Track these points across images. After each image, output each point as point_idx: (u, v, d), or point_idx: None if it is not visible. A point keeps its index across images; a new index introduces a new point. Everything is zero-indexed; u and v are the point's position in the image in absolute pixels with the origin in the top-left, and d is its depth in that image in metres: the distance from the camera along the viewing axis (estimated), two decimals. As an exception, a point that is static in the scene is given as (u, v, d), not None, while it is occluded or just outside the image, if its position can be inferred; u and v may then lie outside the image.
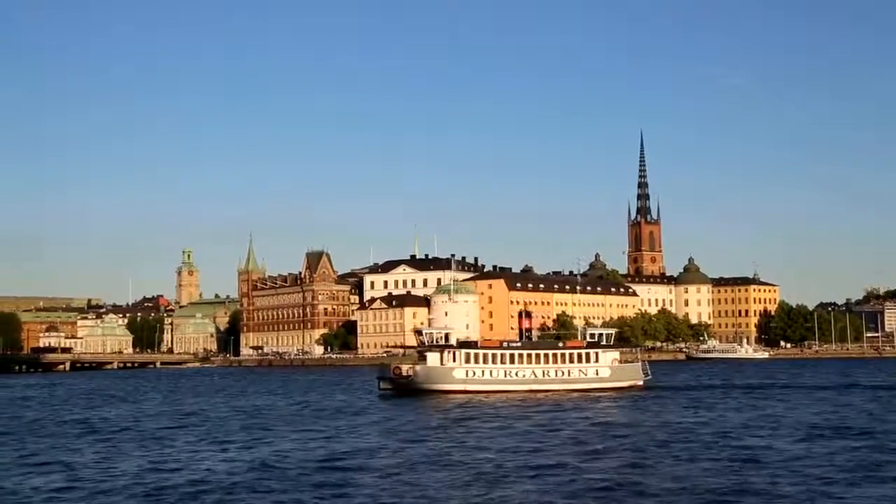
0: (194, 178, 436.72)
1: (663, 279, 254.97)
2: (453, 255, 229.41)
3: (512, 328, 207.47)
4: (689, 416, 50.28)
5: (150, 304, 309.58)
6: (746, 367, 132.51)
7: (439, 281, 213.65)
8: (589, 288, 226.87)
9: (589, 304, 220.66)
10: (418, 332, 77.83)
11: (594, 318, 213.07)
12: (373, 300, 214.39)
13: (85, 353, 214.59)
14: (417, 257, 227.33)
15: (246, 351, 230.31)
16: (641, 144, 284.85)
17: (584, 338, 78.52)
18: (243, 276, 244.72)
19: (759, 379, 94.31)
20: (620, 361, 78.75)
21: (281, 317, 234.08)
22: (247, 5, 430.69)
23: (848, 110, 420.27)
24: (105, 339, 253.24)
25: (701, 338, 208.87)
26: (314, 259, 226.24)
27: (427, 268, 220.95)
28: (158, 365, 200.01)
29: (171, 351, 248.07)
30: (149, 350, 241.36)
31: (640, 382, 76.67)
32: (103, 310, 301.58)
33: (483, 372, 72.19)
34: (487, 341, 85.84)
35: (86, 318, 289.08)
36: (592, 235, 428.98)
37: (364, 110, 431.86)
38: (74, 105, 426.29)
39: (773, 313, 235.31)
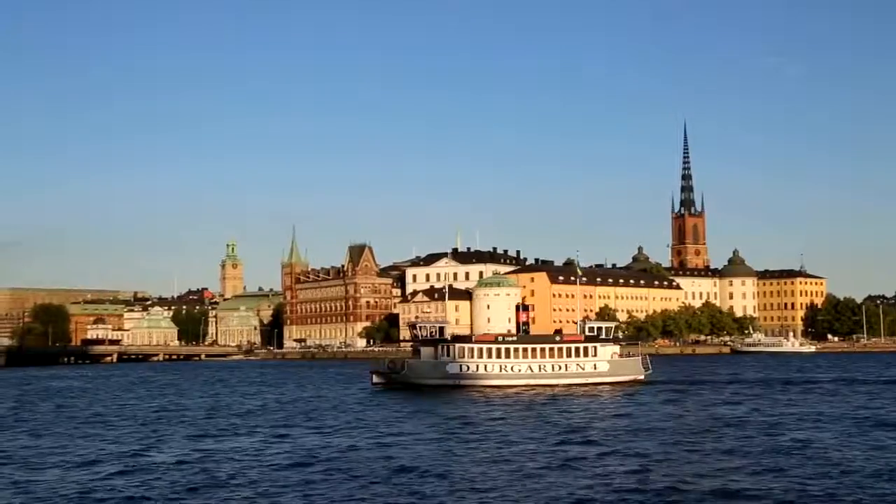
0: (238, 172, 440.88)
1: (707, 272, 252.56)
2: (495, 248, 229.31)
3: (554, 322, 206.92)
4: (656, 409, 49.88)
5: (194, 297, 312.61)
6: (792, 361, 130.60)
7: (481, 274, 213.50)
8: (632, 281, 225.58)
9: (632, 298, 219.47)
10: (412, 326, 76.18)
11: (637, 311, 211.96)
12: (415, 293, 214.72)
13: (131, 346, 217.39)
14: (459, 250, 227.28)
15: (289, 344, 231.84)
16: (685, 136, 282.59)
17: (583, 332, 76.94)
18: (286, 270, 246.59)
19: (780, 373, 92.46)
20: (621, 356, 77.18)
21: (323, 310, 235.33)
22: None
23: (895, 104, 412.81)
24: (151, 331, 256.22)
25: (746, 331, 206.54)
26: (356, 252, 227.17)
27: (469, 261, 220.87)
28: (203, 357, 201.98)
29: (215, 343, 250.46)
30: (193, 342, 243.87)
31: (642, 377, 75.04)
32: (149, 302, 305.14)
33: (477, 366, 70.76)
34: (483, 335, 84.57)
35: (132, 310, 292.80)
36: (635, 228, 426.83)
37: (407, 104, 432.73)
38: (120, 97, 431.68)
39: (819, 306, 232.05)
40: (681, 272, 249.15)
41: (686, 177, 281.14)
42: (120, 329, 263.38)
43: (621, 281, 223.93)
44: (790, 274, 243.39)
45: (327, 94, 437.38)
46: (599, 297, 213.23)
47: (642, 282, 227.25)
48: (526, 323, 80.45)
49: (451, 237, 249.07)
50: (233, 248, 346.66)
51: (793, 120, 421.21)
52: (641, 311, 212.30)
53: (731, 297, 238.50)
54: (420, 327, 74.69)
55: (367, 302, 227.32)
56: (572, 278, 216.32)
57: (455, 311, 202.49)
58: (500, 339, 75.76)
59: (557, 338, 77.87)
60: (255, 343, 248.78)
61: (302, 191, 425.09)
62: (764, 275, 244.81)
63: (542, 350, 72.72)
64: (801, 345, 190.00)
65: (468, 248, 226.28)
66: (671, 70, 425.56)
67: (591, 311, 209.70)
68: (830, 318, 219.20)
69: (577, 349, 73.47)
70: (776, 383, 75.43)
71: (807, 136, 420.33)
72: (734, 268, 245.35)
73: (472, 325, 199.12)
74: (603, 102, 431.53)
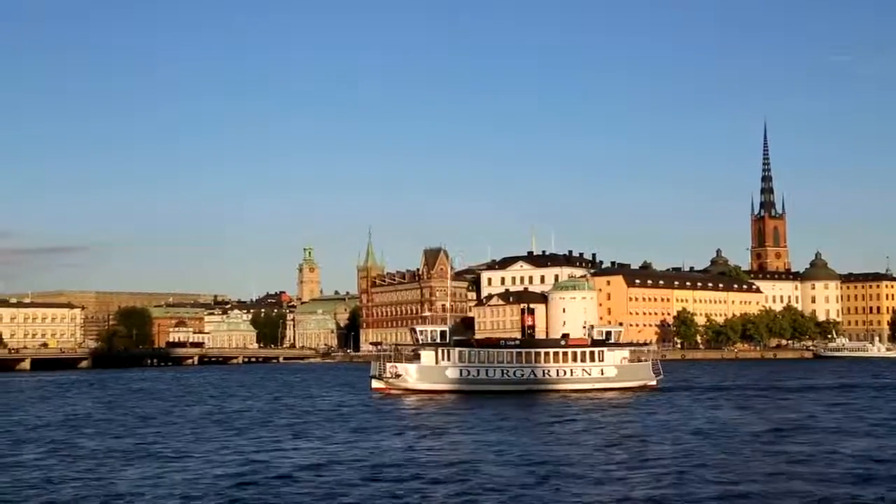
0: (315, 177, 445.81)
1: (788, 275, 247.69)
2: (570, 251, 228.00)
3: (631, 325, 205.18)
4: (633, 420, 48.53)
5: (272, 301, 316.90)
6: (877, 365, 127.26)
7: (556, 277, 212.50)
8: (710, 284, 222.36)
9: (710, 301, 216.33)
10: (413, 330, 74.65)
11: (715, 315, 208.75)
12: (490, 297, 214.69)
13: (212, 348, 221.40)
14: (534, 254, 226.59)
15: (365, 346, 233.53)
16: (765, 137, 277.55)
17: (591, 336, 75.21)
18: (362, 273, 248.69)
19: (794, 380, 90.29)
20: (630, 361, 74.56)
21: (399, 313, 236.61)
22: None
23: None
24: (230, 334, 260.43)
25: (829, 336, 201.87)
26: (432, 256, 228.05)
27: (544, 264, 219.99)
28: (281, 360, 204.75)
29: (293, 346, 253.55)
30: (272, 345, 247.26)
31: (653, 382, 72.68)
32: (229, 305, 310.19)
33: (478, 371, 69.02)
34: (484, 339, 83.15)
35: (212, 313, 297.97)
36: (714, 231, 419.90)
37: (482, 108, 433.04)
38: (196, 101, 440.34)
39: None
40: (761, 275, 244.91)
41: (766, 178, 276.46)
42: (200, 332, 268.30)
43: (699, 284, 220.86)
44: (875, 277, 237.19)
45: (403, 100, 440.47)
46: (677, 300, 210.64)
47: (721, 285, 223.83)
48: (532, 327, 78.68)
49: (525, 240, 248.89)
50: (310, 253, 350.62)
51: (877, 118, 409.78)
52: (720, 315, 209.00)
53: (813, 300, 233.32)
54: (421, 331, 72.61)
55: (443, 305, 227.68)
56: (649, 281, 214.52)
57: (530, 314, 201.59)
58: (502, 342, 74.50)
59: (563, 342, 76.42)
60: (332, 346, 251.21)
61: (378, 195, 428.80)
62: (848, 278, 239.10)
63: (547, 355, 70.88)
64: (887, 349, 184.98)
65: (543, 252, 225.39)
66: (750, 70, 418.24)
67: (668, 314, 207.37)
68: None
69: (583, 354, 71.47)
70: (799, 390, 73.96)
71: (891, 135, 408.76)
72: (816, 271, 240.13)
73: (547, 328, 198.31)
74: (681, 104, 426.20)
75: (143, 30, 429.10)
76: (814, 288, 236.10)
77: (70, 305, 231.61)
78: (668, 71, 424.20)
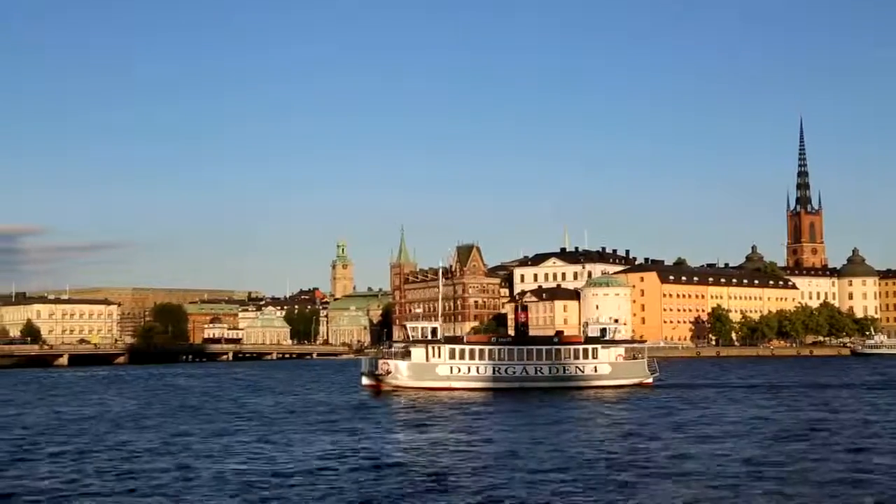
0: (348, 173, 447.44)
1: (825, 271, 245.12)
2: (603, 248, 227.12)
3: (665, 322, 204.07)
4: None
5: (306, 297, 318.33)
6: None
7: (590, 274, 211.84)
8: (745, 281, 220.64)
9: (745, 298, 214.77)
10: (404, 327, 73.29)
11: (751, 311, 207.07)
12: (523, 293, 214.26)
13: (246, 344, 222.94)
14: (567, 250, 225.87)
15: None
16: (801, 131, 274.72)
17: (586, 333, 74.47)
18: (395, 270, 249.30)
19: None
20: (626, 358, 73.64)
21: (432, 309, 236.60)
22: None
23: None
24: (264, 330, 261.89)
25: (867, 333, 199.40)
26: (464, 252, 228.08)
27: (577, 261, 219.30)
28: (315, 356, 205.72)
29: (326, 342, 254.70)
30: (305, 341, 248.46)
31: (649, 380, 71.67)
32: (262, 302, 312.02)
33: (469, 368, 68.16)
34: (475, 336, 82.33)
35: (246, 310, 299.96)
36: (749, 227, 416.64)
37: (514, 105, 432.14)
38: (230, 97, 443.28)
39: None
40: (797, 271, 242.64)
41: (802, 174, 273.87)
42: (235, 328, 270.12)
43: (734, 281, 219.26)
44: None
45: (434, 97, 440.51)
46: (711, 297, 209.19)
47: (756, 281, 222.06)
48: (524, 324, 77.76)
49: (558, 237, 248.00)
50: (343, 249, 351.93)
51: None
52: (755, 312, 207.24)
53: (850, 297, 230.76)
54: (411, 328, 72.02)
55: (475, 302, 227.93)
56: (683, 278, 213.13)
57: (563, 311, 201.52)
58: (493, 339, 73.68)
59: (555, 339, 75.63)
60: (364, 342, 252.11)
61: (410, 192, 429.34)
62: (886, 274, 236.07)
63: (539, 352, 69.80)
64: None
65: (576, 248, 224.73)
66: (786, 64, 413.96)
67: (702, 311, 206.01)
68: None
69: (575, 351, 70.55)
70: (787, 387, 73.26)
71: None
72: (854, 267, 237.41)
73: (580, 325, 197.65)
74: (714, 99, 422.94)
75: (176, 25, 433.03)
76: (851, 284, 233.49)
77: (107, 302, 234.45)
78: (705, 67, 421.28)
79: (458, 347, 69.54)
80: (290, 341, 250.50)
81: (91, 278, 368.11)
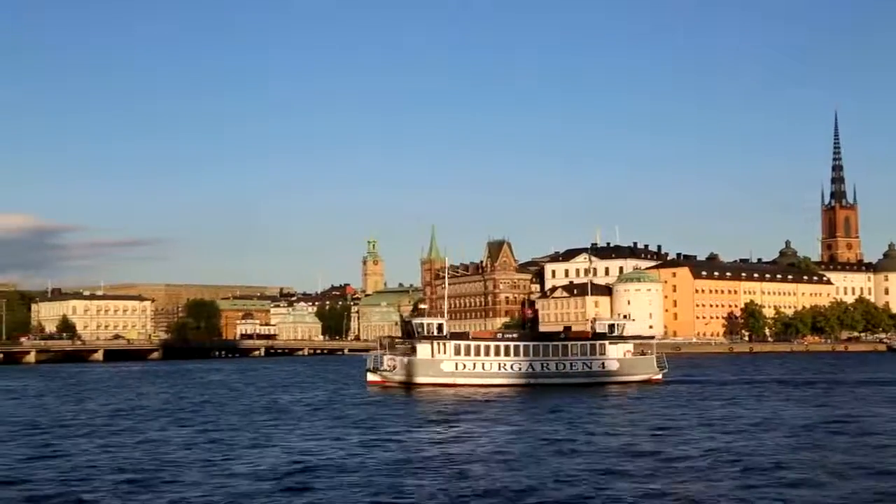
0: (380, 170, 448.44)
1: (861, 266, 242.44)
2: (635, 243, 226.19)
3: (698, 317, 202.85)
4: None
5: (337, 293, 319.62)
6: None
7: (621, 269, 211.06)
8: (779, 276, 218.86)
9: (779, 293, 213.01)
10: (409, 323, 72.87)
11: (784, 307, 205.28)
12: (554, 289, 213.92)
13: (278, 340, 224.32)
14: (599, 245, 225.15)
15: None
16: (836, 124, 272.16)
17: (594, 329, 73.99)
18: (426, 266, 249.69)
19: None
20: (634, 354, 72.75)
21: (463, 305, 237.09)
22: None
23: None
24: (296, 326, 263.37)
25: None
26: (495, 248, 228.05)
27: (609, 256, 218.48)
28: (346, 352, 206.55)
29: (357, 338, 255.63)
30: (336, 337, 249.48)
31: (658, 377, 71.10)
32: (294, 298, 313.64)
33: (474, 364, 67.61)
34: (481, 332, 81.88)
35: (278, 306, 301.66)
36: (782, 222, 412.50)
37: (544, 103, 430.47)
38: (262, 91, 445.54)
39: None
40: (831, 267, 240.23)
41: (837, 168, 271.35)
42: (267, 324, 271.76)
43: (767, 276, 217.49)
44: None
45: (467, 93, 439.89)
46: (744, 292, 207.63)
47: (790, 277, 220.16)
48: (532, 319, 77.00)
49: (590, 232, 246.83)
50: (374, 245, 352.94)
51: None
52: (789, 307, 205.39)
53: (886, 292, 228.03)
54: (416, 324, 71.22)
55: (506, 297, 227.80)
56: (716, 273, 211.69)
57: (595, 306, 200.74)
58: (499, 335, 73.03)
59: (562, 335, 74.95)
60: (395, 338, 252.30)
61: (441, 188, 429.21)
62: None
63: (546, 348, 69.09)
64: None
65: (608, 244, 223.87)
66: (820, 57, 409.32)
67: (735, 306, 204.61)
68: None
69: (583, 347, 69.97)
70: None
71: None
72: (890, 262, 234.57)
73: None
74: (748, 94, 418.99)
75: (213, 23, 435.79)
76: (887, 279, 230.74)
77: (141, 298, 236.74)
78: (738, 59, 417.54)
79: (463, 344, 69.04)
80: (321, 337, 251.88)
81: (125, 274, 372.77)
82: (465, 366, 67.85)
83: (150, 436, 38.61)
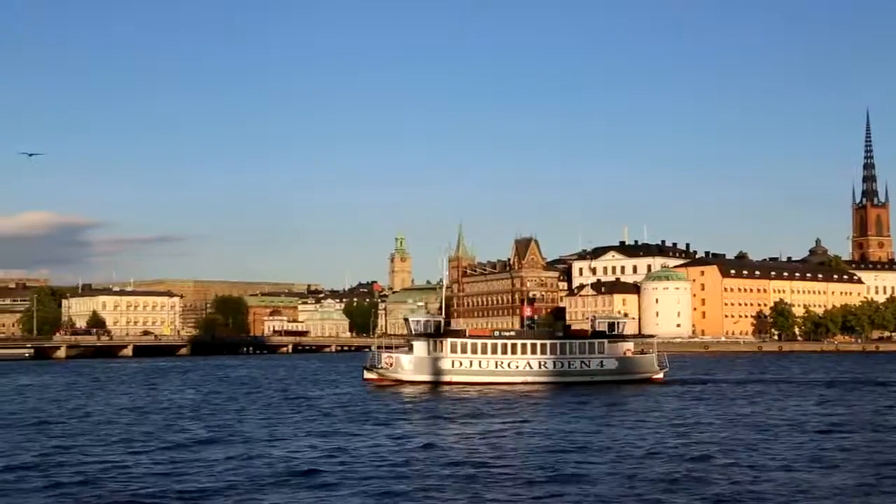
0: (407, 168, 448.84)
1: (892, 265, 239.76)
2: (663, 241, 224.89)
3: (726, 316, 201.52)
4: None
5: (364, 290, 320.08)
6: None
7: (649, 267, 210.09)
8: (809, 275, 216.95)
9: (808, 292, 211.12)
10: (406, 320, 72.87)
11: (814, 306, 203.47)
12: (581, 287, 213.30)
13: (306, 337, 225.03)
14: (626, 244, 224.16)
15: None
16: (867, 122, 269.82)
17: (593, 327, 73.46)
18: (453, 263, 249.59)
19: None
20: (634, 353, 72.46)
21: (490, 303, 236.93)
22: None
23: None
24: (323, 322, 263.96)
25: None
26: (522, 246, 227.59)
27: (636, 254, 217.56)
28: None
29: (384, 335, 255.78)
30: (364, 334, 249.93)
31: (659, 376, 70.42)
32: (322, 295, 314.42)
33: (471, 362, 67.41)
34: (478, 330, 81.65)
35: (306, 302, 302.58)
36: (812, 220, 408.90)
37: (576, 103, 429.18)
38: (288, 87, 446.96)
39: None
40: (862, 266, 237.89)
41: (868, 166, 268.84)
42: (295, 321, 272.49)
43: (797, 275, 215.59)
44: None
45: (498, 91, 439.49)
46: (774, 291, 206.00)
47: (820, 275, 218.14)
48: (532, 318, 76.65)
49: (617, 230, 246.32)
50: (401, 242, 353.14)
51: None
52: (819, 307, 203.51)
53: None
54: (413, 321, 71.46)
55: (533, 295, 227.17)
56: (744, 272, 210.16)
57: (622, 305, 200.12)
58: (496, 333, 72.91)
59: (560, 333, 74.65)
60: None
61: (469, 185, 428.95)
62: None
63: (543, 346, 68.51)
64: None
65: (635, 242, 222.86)
66: (851, 53, 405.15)
67: (764, 305, 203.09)
68: None
69: (581, 345, 69.44)
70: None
71: None
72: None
73: (640, 319, 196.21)
74: (777, 92, 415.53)
75: (248, 18, 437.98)
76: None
77: (169, 294, 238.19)
78: (767, 57, 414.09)
79: (459, 341, 68.86)
80: (349, 334, 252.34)
81: (154, 270, 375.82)
82: (461, 363, 67.81)
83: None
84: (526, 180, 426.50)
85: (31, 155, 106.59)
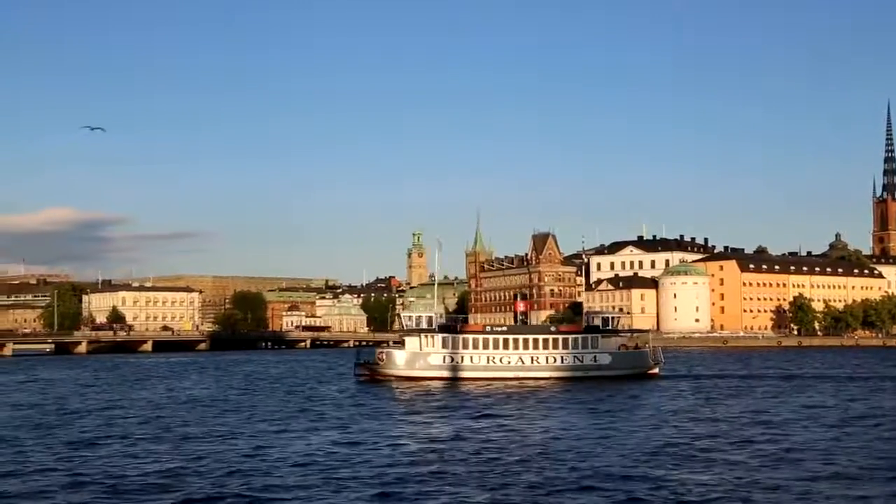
0: (425, 163, 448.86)
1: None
2: (681, 236, 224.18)
3: (745, 311, 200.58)
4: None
5: (382, 285, 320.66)
6: None
7: (667, 262, 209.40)
8: (829, 269, 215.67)
9: (828, 287, 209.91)
10: (399, 316, 73.63)
11: (834, 300, 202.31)
12: (599, 282, 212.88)
13: (324, 332, 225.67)
14: (644, 238, 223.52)
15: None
16: (888, 115, 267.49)
17: (587, 322, 73.19)
18: (471, 258, 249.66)
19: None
20: (627, 348, 72.15)
21: (508, 298, 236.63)
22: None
23: None
24: (341, 317, 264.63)
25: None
26: (540, 240, 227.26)
27: (654, 249, 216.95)
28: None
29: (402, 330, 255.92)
30: (382, 329, 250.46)
31: (656, 370, 70.05)
32: (340, 290, 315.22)
33: (462, 358, 67.17)
34: (470, 325, 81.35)
35: (324, 297, 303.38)
36: (833, 215, 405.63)
37: (594, 97, 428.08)
38: (307, 83, 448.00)
39: None
40: (883, 260, 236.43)
41: (889, 160, 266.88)
42: (313, 316, 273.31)
43: (817, 269, 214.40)
44: None
45: (513, 87, 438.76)
46: (793, 285, 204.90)
47: (840, 270, 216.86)
48: (524, 313, 76.09)
49: (636, 225, 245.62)
50: (419, 238, 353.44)
51: None
52: (839, 301, 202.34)
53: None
54: (406, 317, 71.54)
55: (551, 290, 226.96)
56: (763, 266, 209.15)
57: (640, 300, 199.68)
58: (488, 328, 72.69)
59: (552, 328, 74.38)
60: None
61: (487, 181, 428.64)
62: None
63: (535, 341, 68.13)
64: None
65: (654, 236, 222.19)
66: (872, 46, 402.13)
67: (783, 300, 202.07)
68: None
69: (574, 340, 68.80)
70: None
71: None
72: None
73: (657, 314, 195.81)
74: (797, 86, 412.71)
75: (266, 13, 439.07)
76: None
77: (188, 289, 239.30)
78: (786, 53, 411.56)
79: (451, 336, 68.57)
80: (366, 329, 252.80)
81: (173, 266, 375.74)
82: (452, 359, 67.69)
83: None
84: (544, 175, 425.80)
85: (92, 129, 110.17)
